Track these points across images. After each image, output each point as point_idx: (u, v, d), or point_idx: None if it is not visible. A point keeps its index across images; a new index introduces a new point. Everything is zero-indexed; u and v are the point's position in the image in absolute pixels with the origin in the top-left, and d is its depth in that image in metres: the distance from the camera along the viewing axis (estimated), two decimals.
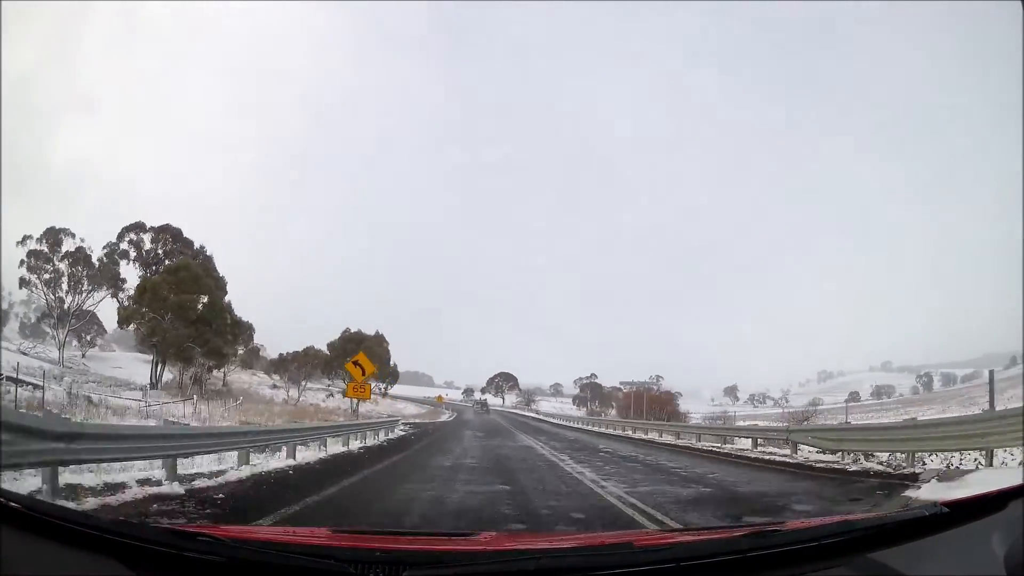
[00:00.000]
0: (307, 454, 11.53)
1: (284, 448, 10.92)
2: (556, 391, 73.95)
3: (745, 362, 39.67)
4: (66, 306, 34.52)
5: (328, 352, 38.89)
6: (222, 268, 37.57)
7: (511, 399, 73.93)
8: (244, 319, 32.48)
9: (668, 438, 20.49)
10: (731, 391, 53.26)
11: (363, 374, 18.69)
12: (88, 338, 44.22)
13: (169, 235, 33.61)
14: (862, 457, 11.13)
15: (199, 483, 7.21)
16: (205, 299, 30.41)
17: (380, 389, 34.38)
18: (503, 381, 78.60)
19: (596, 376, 60.18)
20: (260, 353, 46.54)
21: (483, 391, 73.59)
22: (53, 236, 32.95)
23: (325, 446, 12.97)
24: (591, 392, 60.73)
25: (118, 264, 35.16)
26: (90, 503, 5.54)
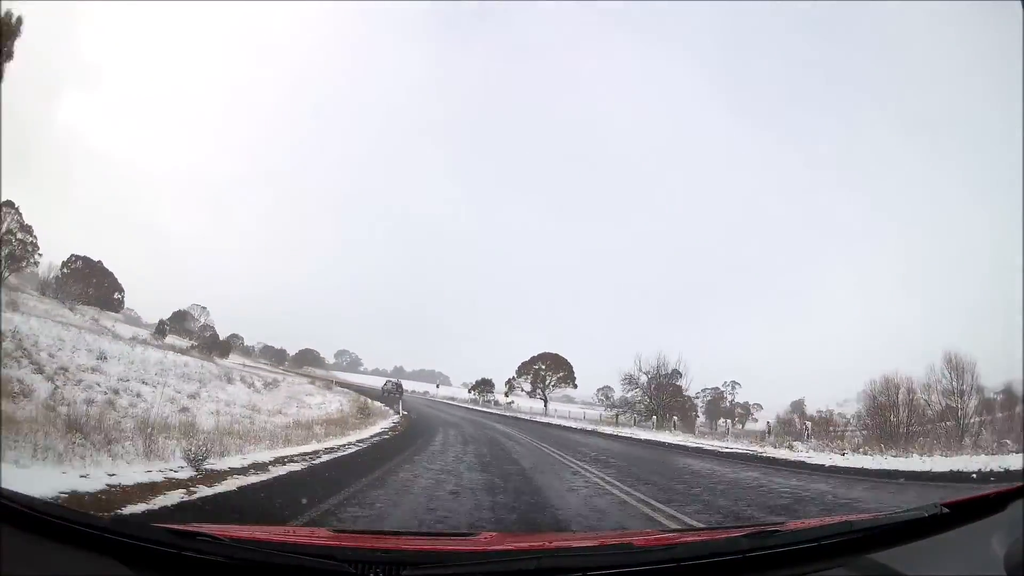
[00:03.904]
0: None
1: None
2: (605, 396, 48.79)
3: (775, 377, 35.18)
4: None
5: None
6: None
7: (565, 403, 47.25)
8: None
9: None
10: (798, 406, 41.56)
11: None
12: None
13: None
14: None
15: None
16: None
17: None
18: (549, 370, 47.49)
19: (680, 374, 42.60)
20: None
21: (511, 387, 47.32)
22: None
23: None
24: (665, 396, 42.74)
25: None
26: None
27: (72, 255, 37.12)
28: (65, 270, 36.68)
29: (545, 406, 46.14)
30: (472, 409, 42.51)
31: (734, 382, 41.98)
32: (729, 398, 41.45)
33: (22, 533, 1.62)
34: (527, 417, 40.08)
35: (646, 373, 38.64)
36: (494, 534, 2.56)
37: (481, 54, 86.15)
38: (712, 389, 42.21)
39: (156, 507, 6.23)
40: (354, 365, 57.30)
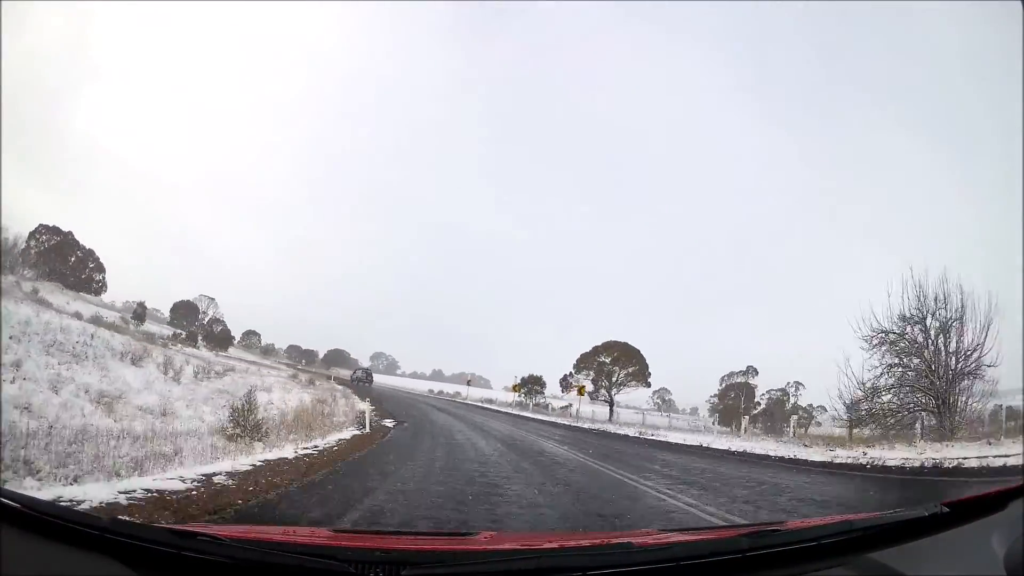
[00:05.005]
0: None
1: None
2: (662, 399, 41.89)
3: (808, 378, 31.83)
4: None
5: None
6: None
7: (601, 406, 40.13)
8: None
9: None
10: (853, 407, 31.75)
11: None
12: None
13: None
14: None
15: None
16: None
17: None
18: (616, 363, 38.60)
19: (755, 371, 38.08)
20: None
21: (566, 385, 38.73)
22: None
23: None
24: (742, 399, 38.57)
25: None
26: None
27: (40, 225, 35.96)
28: (32, 242, 35.42)
29: (611, 411, 36.69)
30: (519, 418, 32.44)
31: (798, 383, 37.42)
32: (792, 400, 37.56)
33: (22, 533, 1.65)
34: (632, 433, 27.00)
35: (919, 323, 20.16)
36: (494, 534, 2.61)
37: (493, 59, 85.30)
38: (779, 391, 37.76)
39: None
40: (391, 368, 56.35)
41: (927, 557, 1.81)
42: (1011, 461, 11.38)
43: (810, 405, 36.65)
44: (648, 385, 37.03)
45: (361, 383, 40.60)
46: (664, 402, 41.26)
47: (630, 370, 36.86)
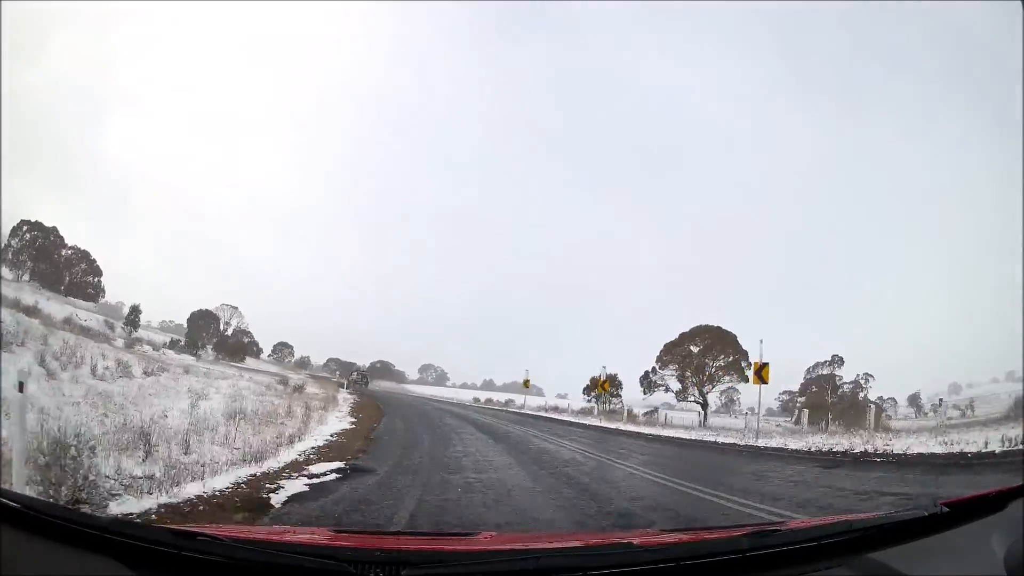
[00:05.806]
0: None
1: None
2: (729, 398, 34.70)
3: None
4: None
5: None
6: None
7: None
8: None
9: None
10: (914, 400, 31.48)
11: None
12: None
13: None
14: None
15: None
16: None
17: None
18: (708, 352, 34.18)
19: (841, 361, 33.93)
20: None
21: (649, 385, 32.48)
22: None
23: None
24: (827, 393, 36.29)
25: None
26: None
27: (21, 220, 35.61)
28: (15, 240, 34.98)
29: (703, 414, 31.81)
30: (607, 432, 23.98)
31: (868, 374, 34.09)
32: (863, 392, 34.97)
33: (22, 533, 1.66)
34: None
35: None
36: (494, 534, 2.64)
37: (520, 62, 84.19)
38: (850, 383, 34.29)
39: None
40: (441, 379, 55.14)
41: (927, 557, 1.86)
42: None
43: (880, 398, 34.33)
44: (746, 379, 31.18)
45: (357, 385, 40.87)
46: (731, 401, 35.84)
47: (724, 360, 31.81)
